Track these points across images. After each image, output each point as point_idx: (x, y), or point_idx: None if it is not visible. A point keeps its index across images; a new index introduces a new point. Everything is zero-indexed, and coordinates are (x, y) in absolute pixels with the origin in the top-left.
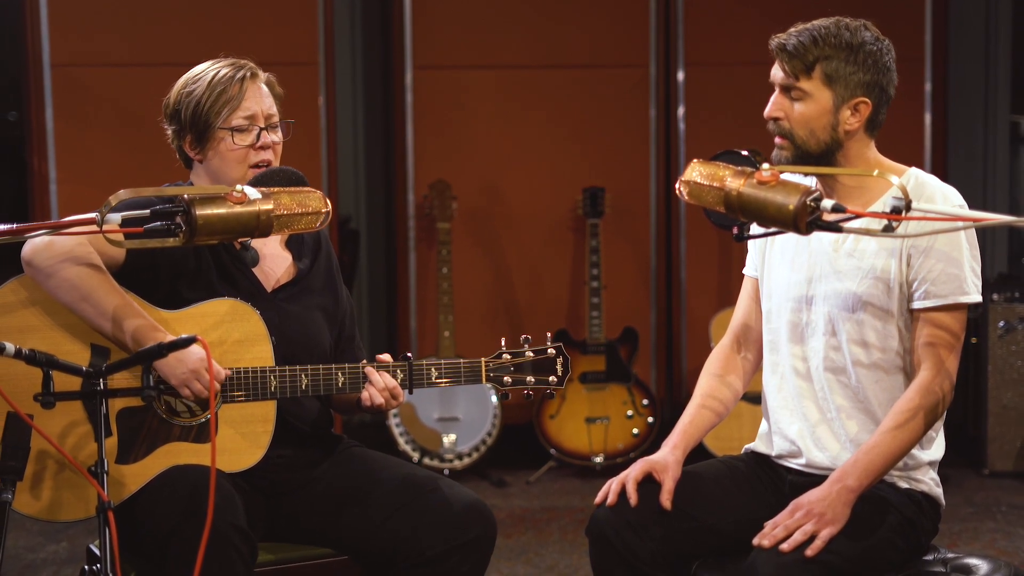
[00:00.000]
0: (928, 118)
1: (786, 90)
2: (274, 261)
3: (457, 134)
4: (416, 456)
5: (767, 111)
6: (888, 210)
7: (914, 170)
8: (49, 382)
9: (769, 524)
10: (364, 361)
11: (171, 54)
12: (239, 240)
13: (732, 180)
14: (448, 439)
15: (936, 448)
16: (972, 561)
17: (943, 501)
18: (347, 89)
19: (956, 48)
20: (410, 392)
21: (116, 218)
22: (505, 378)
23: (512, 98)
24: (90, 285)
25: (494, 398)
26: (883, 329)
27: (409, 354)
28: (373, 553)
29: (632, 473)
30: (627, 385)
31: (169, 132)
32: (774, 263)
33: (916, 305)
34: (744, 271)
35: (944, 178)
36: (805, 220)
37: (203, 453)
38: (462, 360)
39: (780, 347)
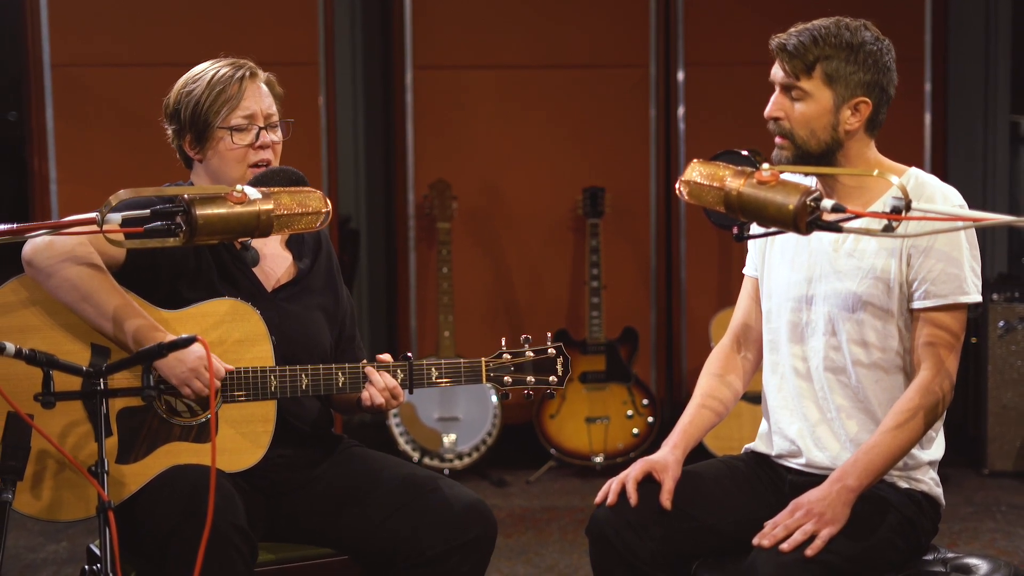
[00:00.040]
0: (928, 118)
1: (786, 90)
2: (274, 261)
3: (457, 134)
4: (416, 456)
5: (767, 111)
6: (888, 210)
7: (914, 170)
8: (49, 382)
9: (769, 524)
10: (364, 361)
11: (171, 54)
12: (239, 240)
13: (732, 180)
14: (448, 439)
15: (936, 448)
16: (972, 561)
17: (943, 501)
18: (347, 89)
19: (956, 48)
20: (410, 392)
21: (116, 218)
22: (505, 378)
23: (512, 98)
24: (90, 285)
25: (494, 398)
26: (883, 329)
27: (409, 354)
28: (373, 553)
29: (632, 473)
30: (627, 385)
31: (169, 132)
32: (774, 263)
33: (916, 305)
34: (744, 271)
35: (944, 178)
36: (805, 220)
37: (203, 453)
38: (462, 360)
39: (780, 347)
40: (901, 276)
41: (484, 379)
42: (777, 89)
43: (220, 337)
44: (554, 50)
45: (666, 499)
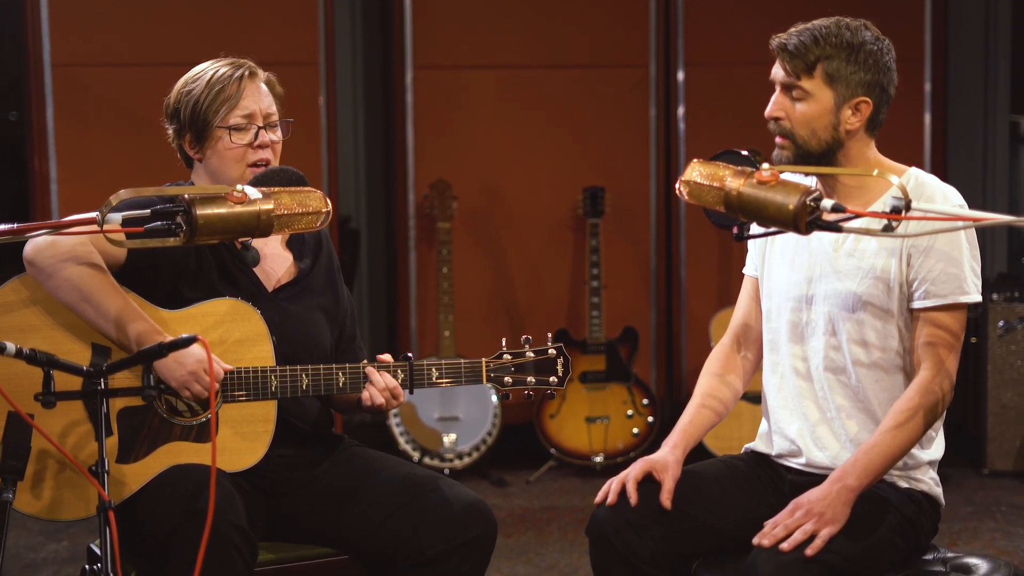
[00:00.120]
0: (928, 118)
1: (787, 89)
2: (275, 261)
3: (457, 134)
4: (416, 456)
5: (768, 111)
6: (888, 210)
7: (914, 170)
8: (50, 382)
9: (769, 523)
10: (365, 361)
11: (172, 54)
12: (240, 240)
13: (732, 180)
14: (448, 439)
15: (936, 447)
16: (972, 560)
17: (943, 500)
18: (347, 89)
19: (956, 48)
20: (411, 392)
21: (117, 218)
22: (506, 378)
23: (512, 98)
24: (91, 286)
25: (494, 398)
26: (883, 329)
27: (410, 354)
28: (373, 553)
29: (632, 473)
30: (627, 385)
31: (170, 131)
32: (774, 263)
33: (916, 305)
34: (744, 271)
35: (944, 178)
36: (805, 220)
37: (204, 452)
38: (463, 360)
39: (780, 347)
40: (901, 276)
41: (484, 379)
42: (778, 89)
43: (220, 337)
44: (554, 50)
45: (666, 499)
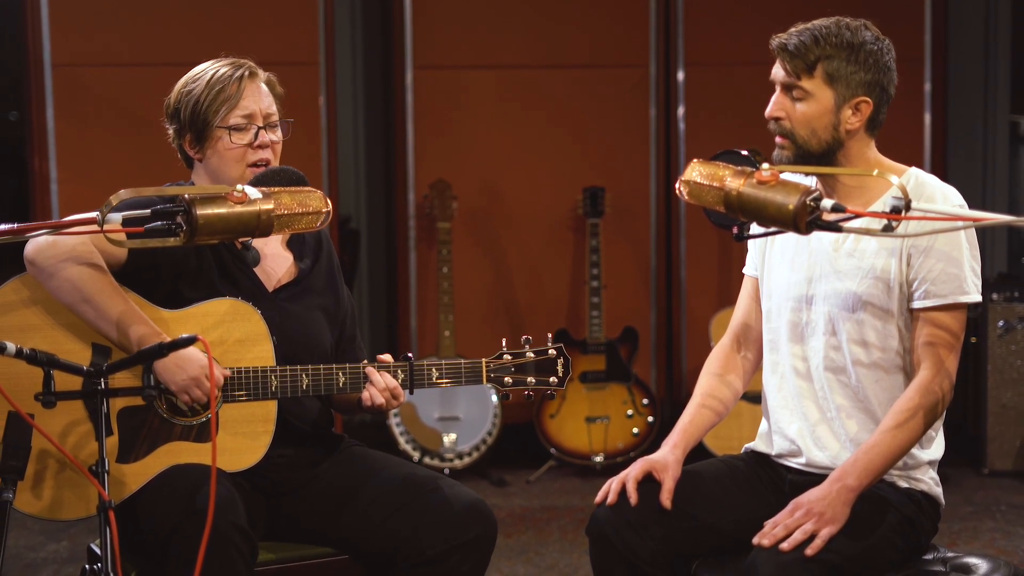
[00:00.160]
0: (928, 118)
1: (787, 89)
2: (275, 261)
3: (457, 134)
4: (416, 455)
5: (768, 111)
6: (888, 210)
7: (914, 170)
8: (50, 381)
9: (769, 523)
10: (365, 361)
11: (172, 54)
12: (240, 240)
13: (732, 180)
14: (448, 438)
15: (936, 447)
16: (972, 560)
17: (943, 500)
18: (347, 89)
19: (956, 48)
20: (411, 392)
21: (117, 218)
22: (506, 379)
23: (512, 98)
24: (91, 287)
25: (494, 397)
26: (883, 329)
27: (410, 354)
28: (373, 552)
29: (632, 472)
30: (627, 384)
31: (170, 131)
32: (774, 263)
33: (916, 305)
34: (744, 270)
35: (944, 178)
36: (805, 220)
37: (204, 452)
38: (463, 360)
39: (780, 346)
40: (901, 276)
41: (484, 380)
42: (778, 89)
43: (221, 337)
44: (554, 50)
45: (666, 499)
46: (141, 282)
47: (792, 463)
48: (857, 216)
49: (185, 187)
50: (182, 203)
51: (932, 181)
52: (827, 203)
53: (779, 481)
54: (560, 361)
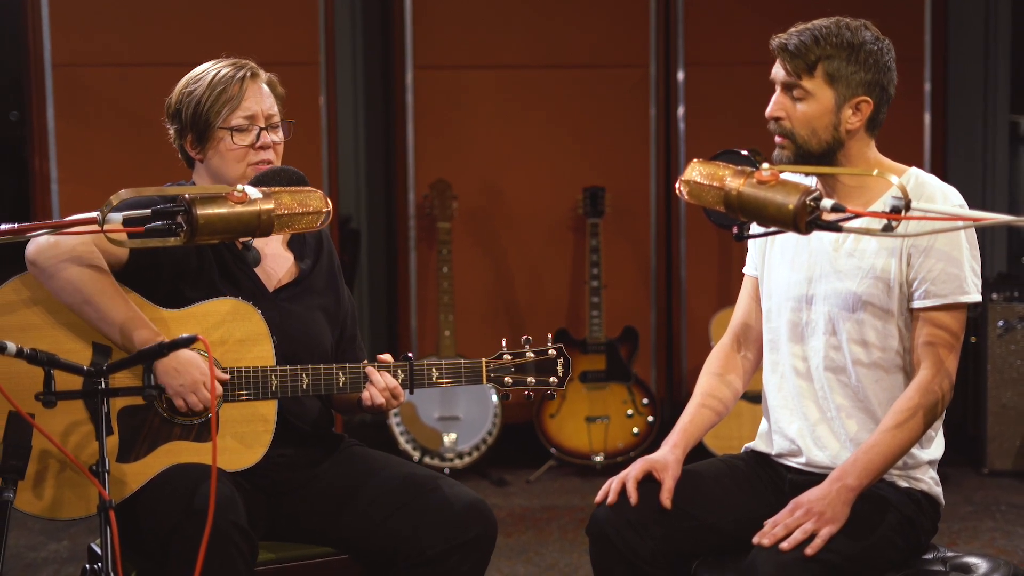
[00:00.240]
0: (928, 118)
1: (788, 89)
2: (276, 261)
3: (457, 134)
4: (417, 455)
5: (769, 111)
6: (888, 210)
7: (914, 170)
8: (50, 381)
9: (769, 523)
10: (365, 361)
11: (172, 54)
12: (241, 240)
13: (732, 180)
14: (448, 438)
15: (935, 447)
16: (971, 560)
17: (942, 500)
18: (348, 89)
19: (956, 48)
20: (411, 392)
21: (117, 218)
22: (506, 378)
23: (512, 98)
24: (93, 288)
25: (494, 397)
26: (883, 328)
27: (410, 354)
28: (373, 552)
29: (632, 472)
30: (627, 384)
31: (171, 132)
32: (774, 262)
33: (916, 304)
34: (744, 270)
35: (944, 178)
36: (805, 220)
37: (204, 452)
38: (463, 360)
39: (780, 346)
40: (901, 276)
41: (484, 379)
42: (778, 89)
43: (221, 337)
44: (554, 50)
45: (666, 498)
46: (142, 282)
47: (792, 463)
48: (857, 216)
49: (185, 187)
50: (182, 203)
51: (932, 181)
52: (827, 203)
53: (779, 481)
54: (560, 361)
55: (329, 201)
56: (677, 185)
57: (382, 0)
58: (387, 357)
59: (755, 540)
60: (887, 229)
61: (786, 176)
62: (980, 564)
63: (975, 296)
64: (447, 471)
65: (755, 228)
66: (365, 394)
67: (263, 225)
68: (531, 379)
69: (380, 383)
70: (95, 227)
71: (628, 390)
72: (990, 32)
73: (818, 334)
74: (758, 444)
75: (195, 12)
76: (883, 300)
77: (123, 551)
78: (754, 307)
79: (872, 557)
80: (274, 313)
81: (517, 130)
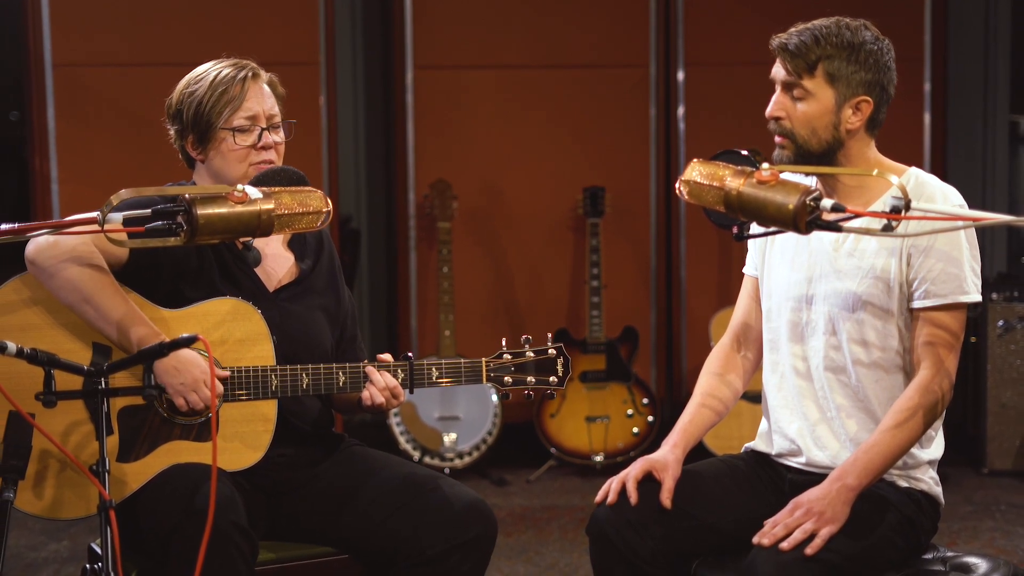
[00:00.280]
0: (928, 118)
1: (788, 89)
2: (276, 261)
3: (457, 134)
4: (417, 455)
5: (769, 110)
6: (888, 210)
7: (914, 170)
8: (51, 381)
9: (769, 523)
10: (365, 360)
11: (173, 54)
12: (241, 240)
13: (732, 180)
14: (449, 438)
15: (935, 447)
16: (971, 560)
17: (942, 500)
18: (348, 89)
19: (956, 48)
20: (411, 392)
21: (117, 218)
22: (506, 378)
23: (512, 98)
24: (92, 287)
25: (494, 397)
26: (883, 328)
27: (410, 354)
28: (373, 552)
29: (632, 472)
30: (627, 384)
31: (172, 132)
32: (774, 262)
33: (916, 304)
34: (744, 270)
35: (944, 178)
36: (805, 219)
37: (204, 452)
38: (463, 360)
39: (780, 346)
40: (901, 276)
41: (484, 379)
42: (778, 88)
43: (222, 336)
44: (554, 50)
45: (666, 498)
46: (142, 282)
47: (792, 462)
48: (857, 216)
49: (186, 187)
50: (183, 203)
51: (932, 181)
52: (827, 203)
53: (779, 480)
54: (560, 361)
55: (329, 201)
56: (677, 185)
57: (382, 0)
58: (387, 357)
59: (755, 540)
60: (887, 229)
61: (786, 176)
62: (980, 564)
63: (975, 296)
64: (447, 471)
65: (755, 228)
66: (365, 394)
67: (263, 225)
68: (531, 379)
69: (380, 383)
70: (95, 227)
71: (628, 390)
72: (990, 32)
73: (818, 334)
74: (758, 444)
75: (195, 12)
76: (883, 300)
77: (123, 551)
78: (754, 307)
79: (872, 557)
80: (274, 313)
81: (517, 130)
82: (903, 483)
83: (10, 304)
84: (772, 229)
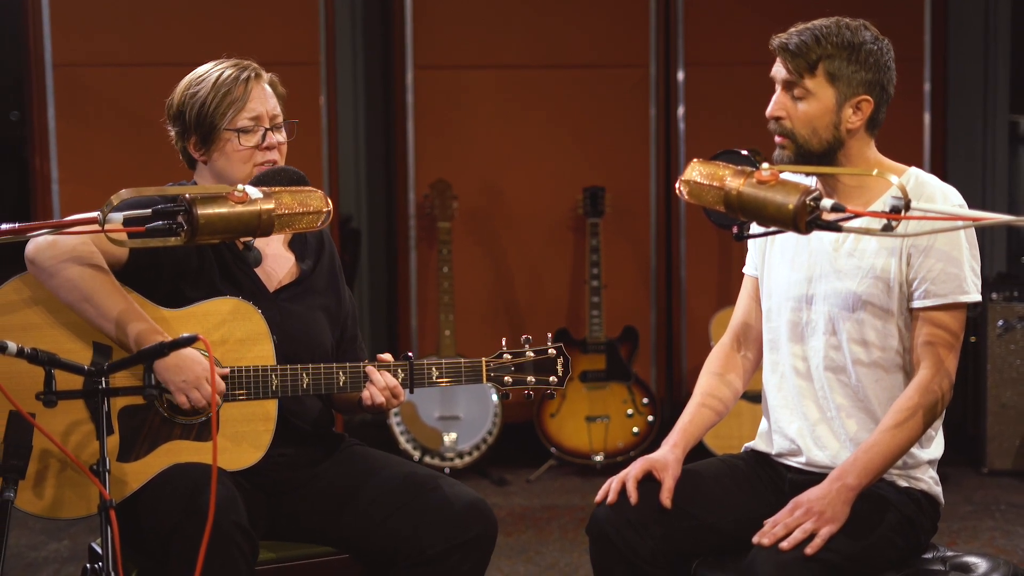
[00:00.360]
0: (927, 118)
1: (788, 88)
2: (276, 261)
3: (458, 134)
4: (417, 455)
5: (769, 110)
6: (888, 209)
7: (914, 170)
8: (51, 381)
9: (769, 522)
10: (365, 360)
11: (173, 54)
12: (242, 240)
13: (732, 179)
14: (449, 438)
15: (935, 447)
16: (971, 559)
17: (942, 499)
18: (348, 89)
19: (955, 48)
20: (411, 391)
21: (118, 217)
22: (506, 378)
23: (512, 98)
24: (92, 286)
25: (495, 397)
26: (883, 328)
27: (410, 353)
28: (374, 552)
29: (632, 472)
30: (627, 384)
31: (172, 134)
32: (774, 262)
33: (916, 304)
34: (744, 270)
35: (944, 178)
36: (804, 219)
37: (204, 451)
38: (463, 360)
39: (780, 346)
40: (901, 275)
41: (484, 379)
42: (778, 88)
43: (222, 336)
44: (554, 50)
45: (666, 498)
46: (142, 282)
47: (792, 462)
48: (857, 216)
49: (186, 187)
50: (183, 203)
51: (932, 181)
52: (827, 203)
53: (779, 480)
54: (560, 360)
55: (329, 201)
56: (677, 185)
57: (382, 0)
58: (387, 356)
59: (755, 540)
60: (887, 229)
61: (786, 176)
62: (980, 563)
63: (975, 296)
64: (447, 471)
65: (755, 228)
66: (365, 393)
67: (263, 225)
68: (531, 378)
69: (380, 382)
70: (95, 227)
71: (628, 390)
72: (990, 32)
73: (818, 334)
74: (758, 444)
75: (195, 12)
76: (883, 300)
77: (124, 550)
78: (754, 307)
79: (872, 556)
80: (275, 313)
81: (517, 130)
82: (903, 483)
83: (10, 304)
84: (772, 229)
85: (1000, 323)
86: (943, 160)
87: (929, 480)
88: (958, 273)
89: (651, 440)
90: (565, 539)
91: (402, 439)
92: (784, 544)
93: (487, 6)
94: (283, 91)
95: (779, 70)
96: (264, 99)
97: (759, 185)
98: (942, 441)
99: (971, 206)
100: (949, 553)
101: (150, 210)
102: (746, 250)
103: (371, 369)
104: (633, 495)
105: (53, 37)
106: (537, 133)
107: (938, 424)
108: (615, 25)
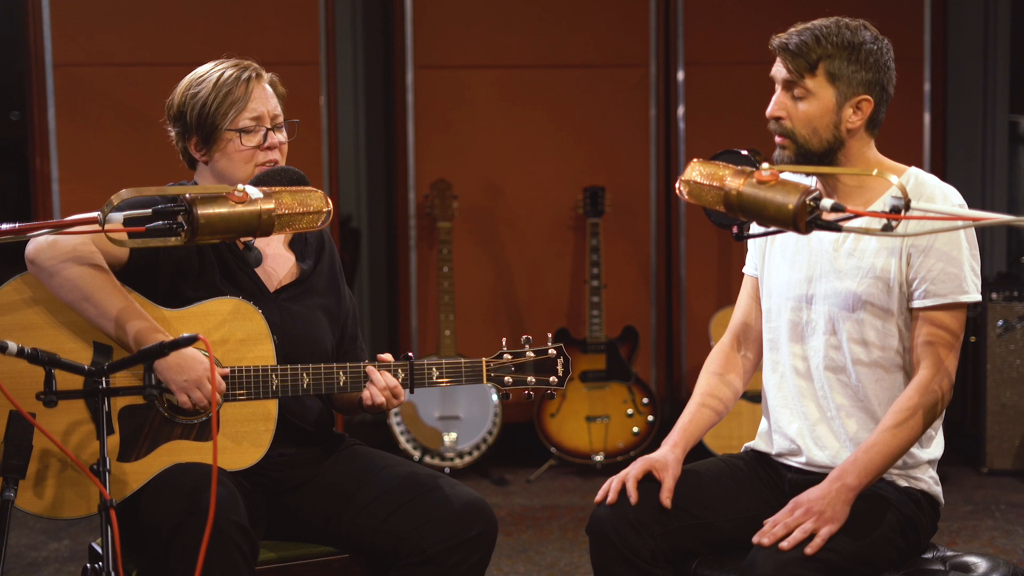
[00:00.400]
0: (927, 118)
1: (788, 88)
2: (277, 261)
3: (458, 133)
4: (417, 455)
5: (770, 110)
6: (888, 209)
7: (914, 169)
8: (51, 380)
9: (769, 522)
10: (366, 360)
11: (173, 54)
12: (242, 240)
13: (732, 179)
14: (449, 438)
15: (935, 446)
16: (971, 559)
17: (942, 499)
18: (348, 89)
19: (955, 48)
20: (411, 391)
21: (118, 217)
22: (506, 378)
23: (512, 98)
24: (92, 285)
25: (495, 397)
26: (883, 328)
27: (411, 353)
28: (374, 551)
29: (632, 471)
30: (627, 384)
31: (173, 134)
32: (774, 262)
33: (916, 304)
34: (744, 270)
35: (943, 177)
36: (804, 219)
37: (205, 451)
38: (463, 360)
39: (780, 346)
40: (901, 275)
41: (485, 379)
42: (779, 88)
43: (223, 336)
44: (554, 50)
45: (666, 497)
46: (142, 282)
47: (792, 462)
48: (857, 216)
49: (186, 187)
50: (183, 202)
51: (932, 181)
52: (827, 203)
53: (779, 480)
54: (560, 360)
55: (329, 201)
56: (677, 185)
57: (382, 0)
58: (387, 356)
59: (755, 539)
60: (887, 229)
61: (786, 176)
62: (979, 563)
63: (975, 296)
64: (447, 470)
65: (755, 228)
66: (365, 393)
67: (264, 225)
68: (531, 378)
69: (380, 382)
70: (95, 227)
71: (628, 389)
72: (990, 32)
73: (818, 334)
74: (758, 443)
75: (195, 12)
76: (883, 300)
77: (124, 550)
78: (754, 307)
79: (872, 556)
80: (275, 313)
81: (517, 130)
82: (903, 483)
83: (11, 304)
84: (772, 229)
85: (1000, 323)
86: (943, 160)
87: (929, 480)
88: (958, 273)
89: (651, 440)
90: (565, 539)
91: (402, 439)
92: (784, 544)
93: (487, 6)
94: (283, 91)
95: (779, 70)
96: (265, 99)
97: (759, 185)
98: (942, 441)
99: (971, 206)
100: (949, 553)
101: (150, 210)
102: (746, 250)
103: (371, 369)
104: (633, 495)
105: (53, 37)
106: (537, 133)
107: (938, 424)
108: (615, 25)
